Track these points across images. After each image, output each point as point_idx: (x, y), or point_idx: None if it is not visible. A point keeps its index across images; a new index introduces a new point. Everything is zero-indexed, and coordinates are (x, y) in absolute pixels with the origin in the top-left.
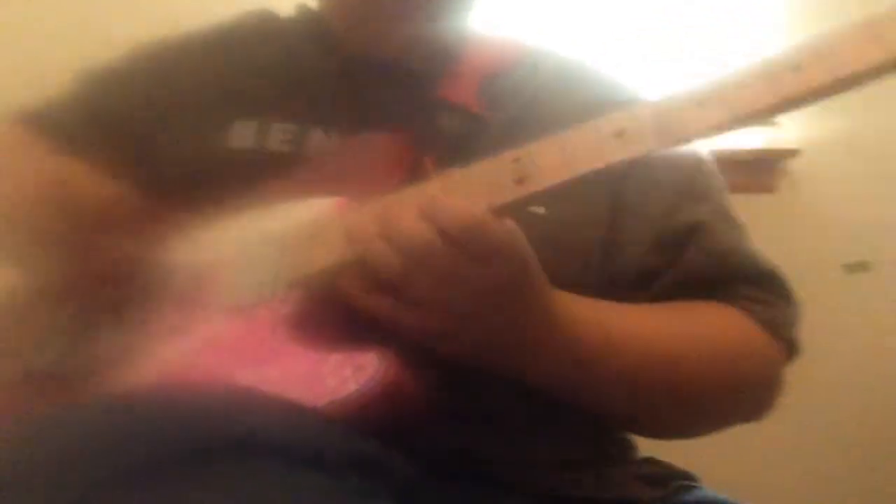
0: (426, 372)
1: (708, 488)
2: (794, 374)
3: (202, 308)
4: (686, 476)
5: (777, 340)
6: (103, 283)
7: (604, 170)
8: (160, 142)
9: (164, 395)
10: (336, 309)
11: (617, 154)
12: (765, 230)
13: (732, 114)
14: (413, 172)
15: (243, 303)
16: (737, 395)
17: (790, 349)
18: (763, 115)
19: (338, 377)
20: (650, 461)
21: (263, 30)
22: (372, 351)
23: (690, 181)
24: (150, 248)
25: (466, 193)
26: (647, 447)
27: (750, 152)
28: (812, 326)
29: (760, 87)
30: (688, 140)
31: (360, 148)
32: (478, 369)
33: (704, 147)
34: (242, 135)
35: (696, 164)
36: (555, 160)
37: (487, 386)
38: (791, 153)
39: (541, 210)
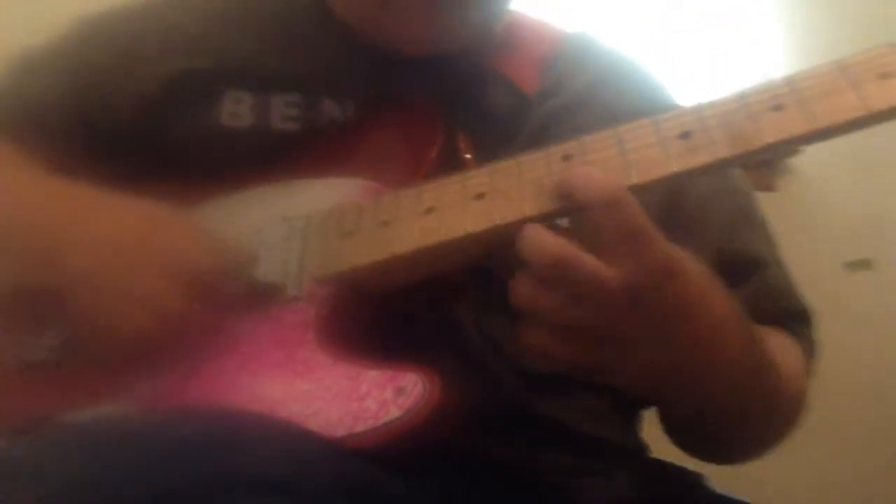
0: (468, 396)
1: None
2: None
3: (218, 300)
4: (694, 475)
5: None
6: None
7: (667, 179)
8: (132, 124)
9: (129, 427)
10: (371, 316)
11: (684, 161)
12: None
13: (814, 124)
14: (447, 151)
15: (263, 298)
16: (792, 421)
17: None
18: (851, 127)
19: (377, 399)
20: (660, 462)
21: None
22: (412, 371)
23: (747, 204)
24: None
25: (514, 191)
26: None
27: None
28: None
29: (847, 96)
30: (764, 151)
31: (384, 121)
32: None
33: None
34: (236, 111)
35: (747, 188)
36: (612, 164)
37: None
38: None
39: (563, 222)
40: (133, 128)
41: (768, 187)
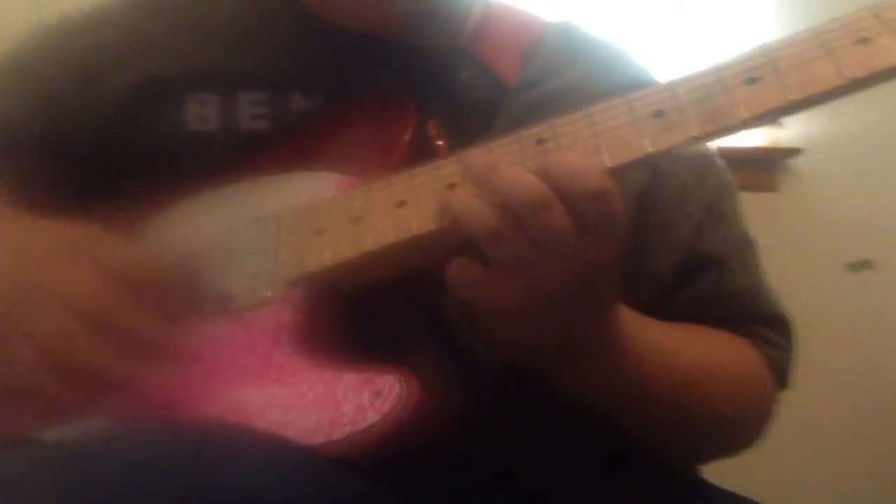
0: (451, 397)
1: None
2: (797, 373)
3: (189, 309)
4: (693, 473)
5: (778, 380)
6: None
7: (642, 161)
8: (98, 136)
9: (104, 445)
10: (349, 316)
11: (658, 141)
12: (768, 229)
13: (790, 96)
14: (419, 139)
15: (236, 303)
16: (741, 426)
17: (783, 387)
18: (828, 97)
19: (354, 404)
20: (659, 462)
21: None
22: (390, 373)
23: (720, 201)
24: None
25: None
26: None
27: (753, 151)
28: (815, 325)
29: (822, 65)
30: (739, 126)
31: (354, 110)
32: (505, 387)
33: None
34: (202, 114)
35: (723, 182)
36: (586, 146)
37: (518, 404)
38: (794, 152)
39: None
40: (99, 139)
41: (771, 187)
